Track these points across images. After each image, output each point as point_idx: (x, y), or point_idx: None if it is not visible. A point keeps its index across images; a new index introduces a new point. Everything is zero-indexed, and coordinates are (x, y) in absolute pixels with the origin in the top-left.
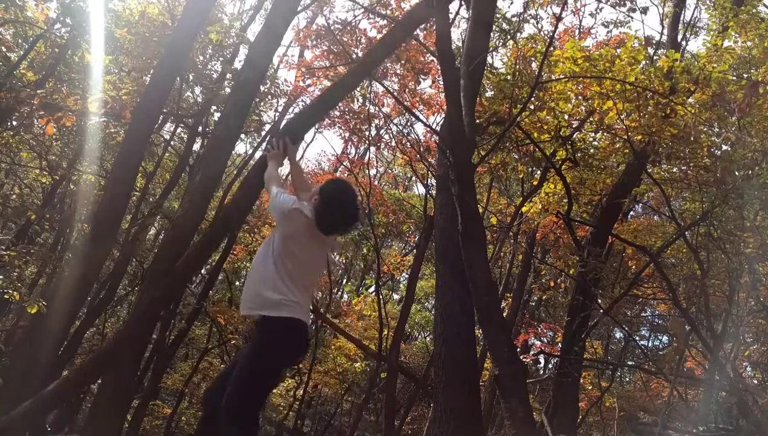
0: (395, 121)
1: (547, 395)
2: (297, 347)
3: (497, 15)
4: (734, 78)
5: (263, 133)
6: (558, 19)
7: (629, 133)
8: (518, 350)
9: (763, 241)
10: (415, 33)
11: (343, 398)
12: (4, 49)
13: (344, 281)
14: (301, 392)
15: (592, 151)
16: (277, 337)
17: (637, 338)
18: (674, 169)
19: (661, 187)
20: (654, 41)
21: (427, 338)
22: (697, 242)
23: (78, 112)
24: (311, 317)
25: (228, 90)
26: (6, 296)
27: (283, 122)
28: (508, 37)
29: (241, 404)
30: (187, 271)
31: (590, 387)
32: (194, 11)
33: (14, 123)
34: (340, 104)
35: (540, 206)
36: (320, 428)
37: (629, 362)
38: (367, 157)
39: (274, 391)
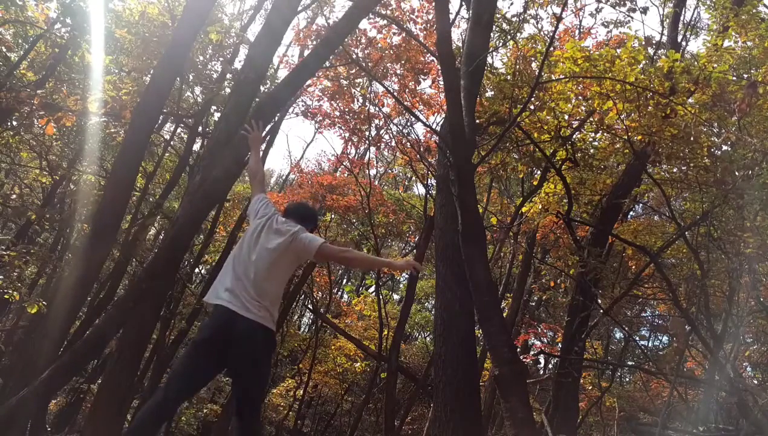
0: (395, 121)
1: (547, 395)
2: (209, 327)
3: (497, 15)
4: (734, 78)
5: (263, 133)
6: (558, 19)
7: (629, 133)
8: (518, 350)
9: (763, 241)
10: (415, 33)
11: (343, 398)
12: (4, 49)
13: (344, 281)
14: (301, 392)
15: (592, 151)
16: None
17: (637, 338)
18: (674, 170)
19: (661, 187)
20: (654, 41)
21: (427, 338)
22: (697, 242)
23: (78, 112)
24: (252, 311)
25: (228, 90)
26: (6, 296)
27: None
28: (508, 37)
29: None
30: (178, 245)
31: (590, 387)
32: (194, 11)
33: (14, 123)
34: (340, 104)
35: (540, 206)
36: (320, 428)
37: (629, 362)
38: (367, 157)
39: (274, 391)
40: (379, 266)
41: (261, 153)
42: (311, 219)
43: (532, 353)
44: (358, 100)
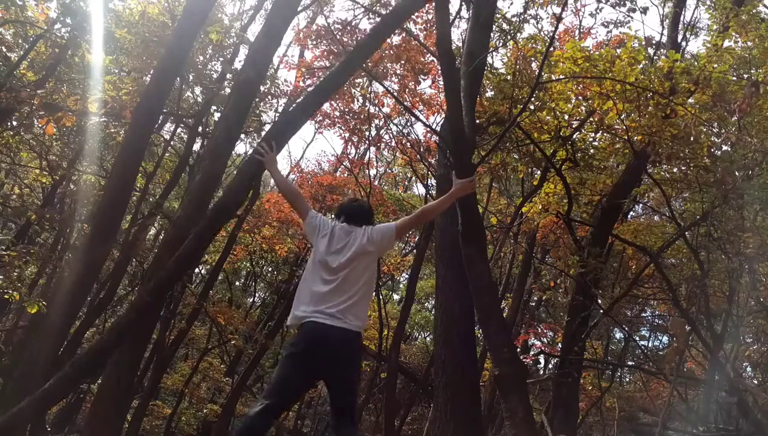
0: (395, 121)
1: (547, 395)
2: (303, 341)
3: (497, 15)
4: (734, 78)
5: (263, 133)
6: (558, 19)
7: (629, 134)
8: (518, 350)
9: (763, 241)
10: (415, 33)
11: None
12: (4, 49)
13: None
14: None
15: (592, 151)
16: None
17: (637, 338)
18: (674, 170)
19: (661, 187)
20: (654, 41)
21: (427, 338)
22: (697, 242)
23: (78, 112)
24: (315, 312)
25: (228, 90)
26: (6, 296)
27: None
28: (508, 37)
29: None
30: (186, 260)
31: (590, 387)
32: (194, 11)
33: (14, 123)
34: (340, 104)
35: (540, 206)
36: (320, 428)
37: (629, 362)
38: (367, 157)
39: None
40: (448, 204)
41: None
42: (366, 219)
43: (532, 353)
44: (358, 100)
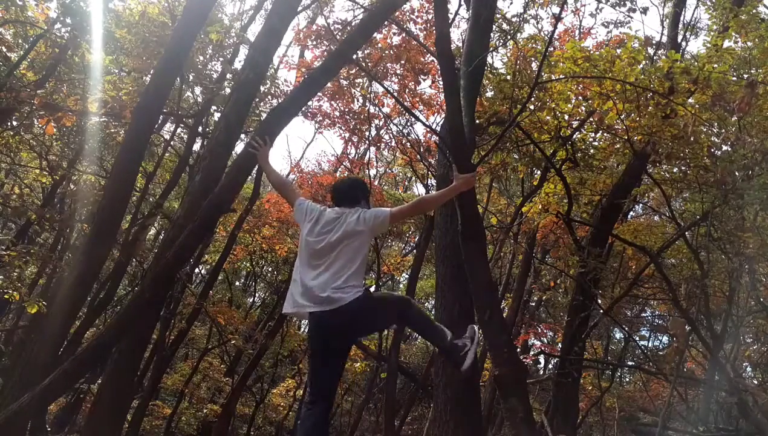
0: (395, 121)
1: (547, 395)
2: (311, 334)
3: (497, 15)
4: (734, 78)
5: (270, 147)
6: (557, 19)
7: (629, 134)
8: (518, 350)
9: (763, 241)
10: (415, 33)
11: (343, 398)
12: (4, 49)
13: None
14: (301, 392)
15: (592, 151)
16: None
17: (637, 338)
18: (674, 170)
19: (661, 187)
20: (654, 41)
21: None
22: (697, 242)
23: (78, 112)
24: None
25: (228, 90)
26: (6, 296)
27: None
28: (508, 37)
29: None
30: (182, 254)
31: (590, 387)
32: (194, 11)
33: (14, 123)
34: (340, 104)
35: (540, 206)
36: None
37: (629, 362)
38: (367, 158)
39: (274, 391)
40: (448, 197)
41: (270, 165)
42: (360, 192)
43: (532, 353)
44: (358, 100)
